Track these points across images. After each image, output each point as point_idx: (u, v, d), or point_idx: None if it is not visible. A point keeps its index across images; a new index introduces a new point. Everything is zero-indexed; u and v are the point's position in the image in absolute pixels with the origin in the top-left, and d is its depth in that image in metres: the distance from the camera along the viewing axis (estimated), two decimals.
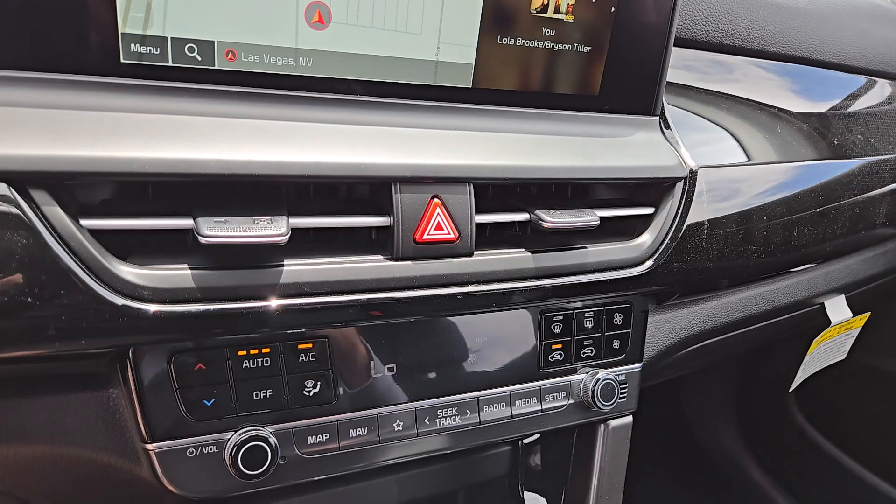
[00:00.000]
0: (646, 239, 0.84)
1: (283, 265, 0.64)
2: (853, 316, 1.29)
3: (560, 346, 0.85)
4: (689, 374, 2.12)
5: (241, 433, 0.67)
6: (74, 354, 0.59)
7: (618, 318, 0.88)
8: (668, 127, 0.88)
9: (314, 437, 0.71)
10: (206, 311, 0.60)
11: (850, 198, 1.10)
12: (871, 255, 1.30)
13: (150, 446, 0.65)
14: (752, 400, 2.06)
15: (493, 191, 0.78)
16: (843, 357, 1.39)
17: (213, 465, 0.67)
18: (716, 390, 2.10)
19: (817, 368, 1.34)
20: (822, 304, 1.26)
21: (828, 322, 1.25)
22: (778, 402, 1.97)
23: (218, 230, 0.58)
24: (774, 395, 1.98)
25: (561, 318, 0.84)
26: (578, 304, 0.85)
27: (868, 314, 1.33)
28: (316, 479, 0.73)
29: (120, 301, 0.57)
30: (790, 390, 1.29)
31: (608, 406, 0.85)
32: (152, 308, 0.58)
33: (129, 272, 0.58)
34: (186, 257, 0.61)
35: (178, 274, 0.60)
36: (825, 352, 1.32)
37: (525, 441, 1.08)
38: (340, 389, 0.72)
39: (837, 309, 1.27)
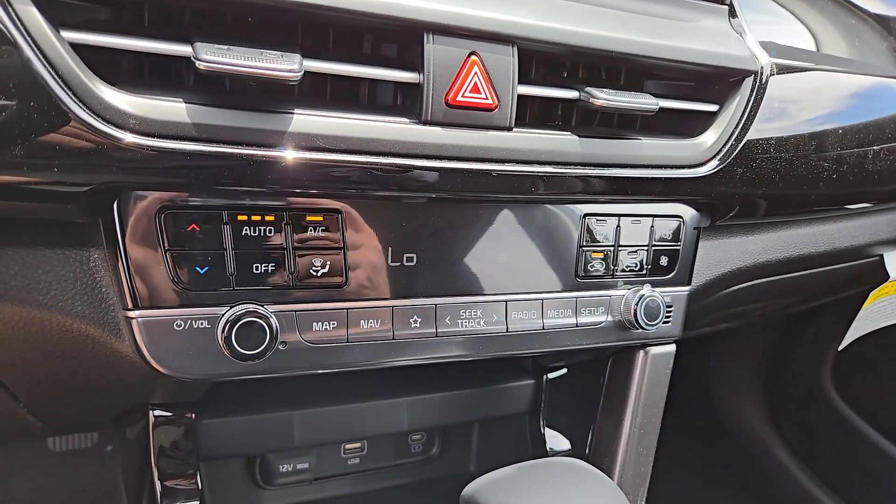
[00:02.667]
0: (708, 138, 0.73)
1: (293, 112, 0.55)
2: None
3: (601, 254, 0.75)
4: (718, 342, 2.02)
5: (238, 308, 0.58)
6: (48, 193, 0.51)
7: (668, 231, 0.78)
8: (735, 16, 0.77)
9: (320, 323, 0.63)
10: (200, 151, 0.51)
11: None
12: None
13: (132, 314, 0.57)
14: (783, 375, 1.95)
15: (539, 61, 0.68)
16: None
17: (203, 343, 0.59)
18: (744, 363, 1.99)
19: (870, 329, 1.22)
20: (882, 256, 1.15)
21: (886, 276, 1.14)
22: (811, 378, 1.86)
23: (219, 56, 0.50)
24: (808, 371, 1.86)
25: (605, 222, 0.74)
26: (625, 209, 0.75)
27: None
28: (320, 371, 0.64)
29: (101, 126, 0.48)
30: (840, 349, 1.18)
31: (652, 326, 0.75)
32: (138, 140, 0.50)
33: (114, 96, 0.49)
34: (182, 93, 0.53)
35: (170, 105, 0.51)
36: (880, 311, 1.21)
37: (550, 376, 0.99)
38: (352, 274, 0.63)
39: None
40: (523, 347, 0.72)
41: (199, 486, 0.76)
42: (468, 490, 0.57)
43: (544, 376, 0.98)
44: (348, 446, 1.00)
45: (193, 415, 0.78)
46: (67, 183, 0.51)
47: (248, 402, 0.83)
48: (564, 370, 0.99)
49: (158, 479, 0.74)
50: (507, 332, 0.71)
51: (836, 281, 1.15)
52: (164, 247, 0.57)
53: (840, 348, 1.19)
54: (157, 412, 0.77)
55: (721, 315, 1.12)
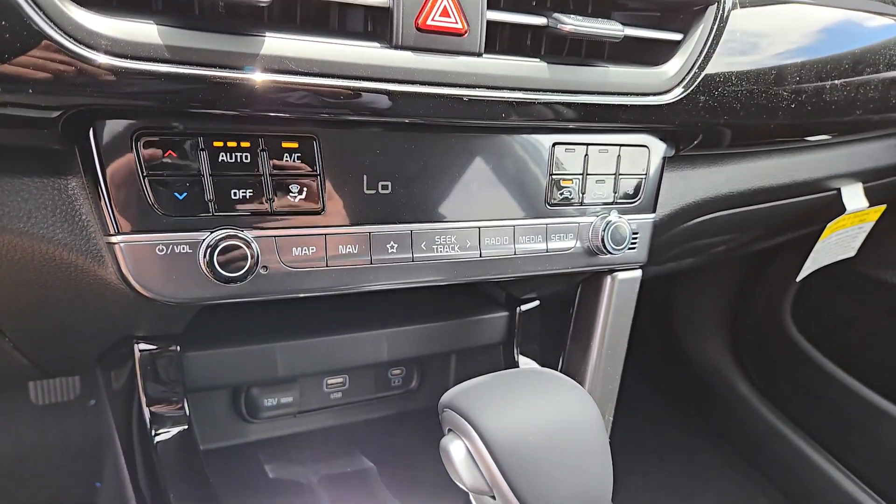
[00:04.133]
0: (673, 66, 0.76)
1: (264, 35, 0.55)
2: (869, 206, 1.23)
3: (570, 181, 0.77)
4: (684, 282, 2.09)
5: (218, 233, 0.60)
6: (23, 118, 0.52)
7: (634, 160, 0.81)
8: None
9: (300, 249, 0.65)
10: (172, 73, 0.52)
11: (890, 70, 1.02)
12: (895, 143, 1.23)
13: (114, 239, 0.58)
14: (746, 312, 2.04)
15: None
16: (852, 254, 1.34)
17: (186, 267, 0.60)
18: (709, 302, 2.07)
19: (827, 261, 1.29)
20: (839, 189, 1.20)
21: (843, 209, 1.19)
22: (772, 315, 1.94)
23: None
24: (769, 308, 1.95)
25: (573, 150, 0.77)
26: (594, 139, 0.78)
27: (884, 207, 1.27)
28: (301, 295, 0.66)
29: (74, 48, 0.49)
30: (798, 279, 1.24)
31: (618, 251, 0.79)
32: (111, 61, 0.50)
33: (85, 17, 0.50)
34: (152, 16, 0.53)
35: (142, 27, 0.51)
36: (836, 243, 1.26)
37: (523, 308, 1.03)
38: (329, 201, 0.65)
39: (854, 196, 1.21)
40: (496, 272, 0.75)
41: (187, 413, 0.79)
42: (445, 397, 0.60)
43: (517, 308, 1.02)
44: (330, 381, 1.03)
45: (178, 347, 0.80)
46: (41, 106, 0.51)
47: (231, 336, 0.86)
48: (537, 302, 1.03)
49: (147, 406, 0.76)
50: (480, 257, 0.74)
51: (796, 214, 1.20)
52: (142, 173, 0.58)
53: (798, 279, 1.25)
54: (143, 346, 0.78)
55: (687, 248, 1.16)
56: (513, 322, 1.02)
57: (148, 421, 0.76)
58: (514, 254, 0.76)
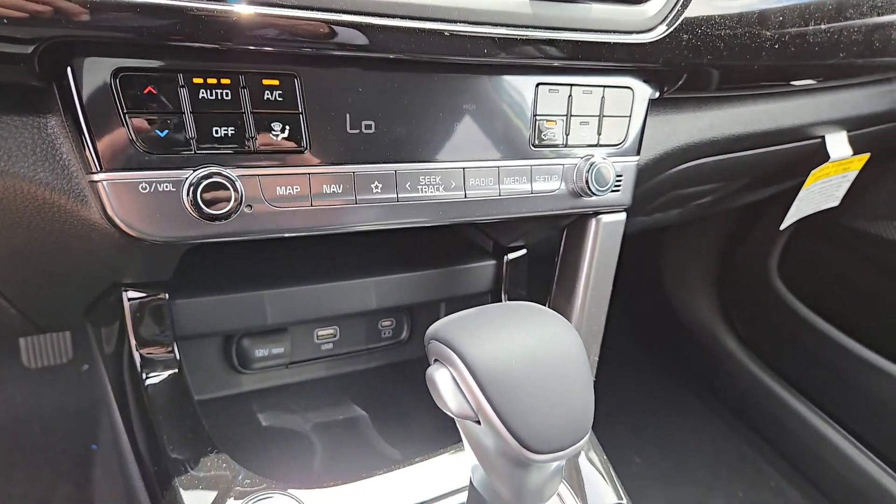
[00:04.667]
0: (654, 5, 0.75)
1: None
2: (853, 154, 1.24)
3: (554, 123, 0.78)
4: (673, 241, 2.11)
5: (201, 171, 0.60)
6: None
7: (618, 102, 0.81)
8: None
9: (283, 188, 0.65)
10: (149, 3, 0.52)
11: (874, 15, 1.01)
12: (879, 91, 1.24)
13: (96, 178, 0.58)
14: (733, 269, 2.06)
15: None
16: (836, 203, 1.36)
17: (170, 205, 0.60)
18: (697, 260, 2.09)
19: (811, 210, 1.30)
20: (823, 137, 1.20)
21: (827, 157, 1.20)
22: (759, 271, 1.97)
23: None
24: (756, 264, 1.97)
25: (557, 91, 0.77)
26: (577, 80, 0.78)
27: (867, 156, 1.28)
28: (287, 235, 0.67)
29: None
30: (781, 228, 1.26)
31: (602, 192, 0.80)
32: None
33: None
34: None
35: None
36: (820, 192, 1.28)
37: (510, 256, 1.04)
38: (312, 139, 0.65)
39: (838, 144, 1.22)
40: (482, 213, 0.76)
41: (177, 357, 0.80)
42: (431, 329, 0.61)
43: (505, 257, 1.03)
44: (321, 332, 1.04)
45: (167, 295, 0.80)
46: (16, 39, 0.51)
47: (220, 284, 0.86)
48: (524, 251, 1.04)
49: (137, 350, 0.77)
50: (465, 198, 0.74)
51: (781, 163, 1.21)
52: (122, 110, 0.57)
53: (782, 227, 1.26)
54: (131, 294, 0.79)
55: (673, 197, 1.17)
56: (500, 270, 1.03)
57: (138, 364, 0.77)
58: (499, 195, 0.76)
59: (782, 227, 1.26)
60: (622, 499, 0.84)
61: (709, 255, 2.07)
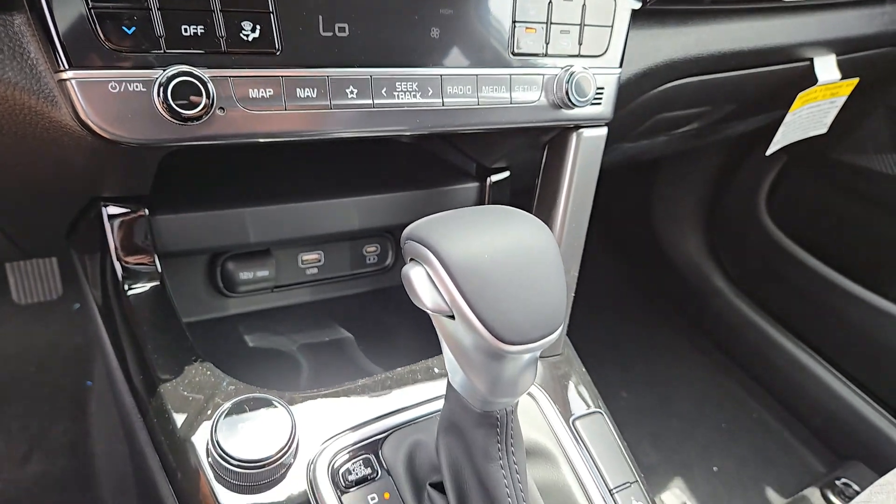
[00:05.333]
0: None
1: None
2: (841, 79, 1.23)
3: (534, 30, 0.76)
4: (663, 179, 2.11)
5: (171, 70, 0.59)
6: None
7: (600, 10, 0.80)
8: None
9: (256, 90, 0.64)
10: None
11: None
12: (869, 13, 1.22)
13: (65, 75, 0.57)
14: (722, 208, 2.07)
15: None
16: (823, 130, 1.35)
17: (141, 106, 0.60)
18: (687, 200, 2.10)
19: (798, 136, 1.29)
20: (812, 60, 1.19)
21: (815, 81, 1.19)
22: (748, 209, 1.98)
23: None
24: (745, 202, 1.98)
25: None
26: None
27: (856, 81, 1.27)
28: (262, 140, 0.66)
29: None
30: (767, 154, 1.26)
31: (582, 103, 0.79)
32: None
33: None
34: None
35: None
36: (808, 117, 1.27)
37: (493, 178, 1.04)
38: (285, 41, 0.64)
39: (826, 67, 1.20)
40: (460, 122, 0.75)
41: (159, 270, 0.80)
42: (407, 229, 0.61)
43: (488, 179, 1.03)
44: (306, 257, 1.05)
45: (147, 211, 0.80)
46: None
47: (201, 201, 0.86)
48: (507, 173, 1.04)
49: (117, 260, 0.78)
50: (443, 106, 0.73)
51: (769, 86, 1.20)
52: (88, 4, 0.56)
53: (767, 153, 1.26)
54: (111, 209, 0.79)
55: (659, 122, 1.16)
56: (483, 192, 1.03)
57: (120, 276, 0.77)
58: (478, 104, 0.75)
59: (768, 152, 1.25)
60: (598, 408, 0.86)
61: (698, 193, 2.07)
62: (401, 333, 1.05)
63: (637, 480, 0.79)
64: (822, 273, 1.84)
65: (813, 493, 1.75)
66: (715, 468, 1.84)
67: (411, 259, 0.62)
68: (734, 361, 2.11)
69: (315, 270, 1.06)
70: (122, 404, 0.88)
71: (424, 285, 0.59)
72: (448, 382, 0.65)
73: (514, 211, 0.64)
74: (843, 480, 1.75)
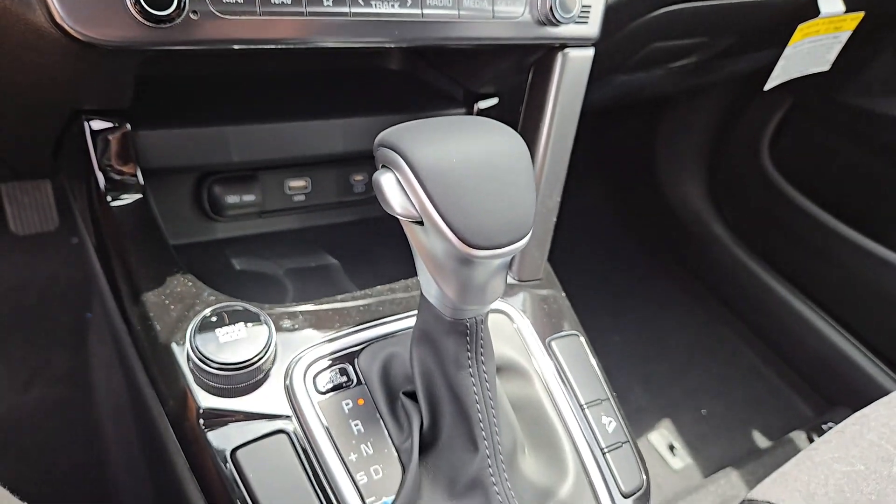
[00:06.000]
0: None
1: None
2: (845, 11, 1.19)
3: None
4: (665, 124, 2.08)
5: None
6: None
7: None
8: None
9: None
10: None
11: None
12: None
13: None
14: (725, 154, 2.04)
15: None
16: (826, 67, 1.32)
17: (114, 6, 0.59)
18: (689, 146, 2.08)
19: (797, 73, 1.27)
20: None
21: (817, 12, 1.16)
22: (750, 155, 1.95)
23: None
24: (748, 147, 1.95)
25: None
26: None
27: (861, 15, 1.23)
28: (237, 47, 0.66)
29: None
30: (765, 88, 1.23)
31: (566, 20, 0.77)
32: None
33: None
34: None
35: None
36: (809, 52, 1.24)
37: (481, 105, 1.03)
38: None
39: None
40: (440, 35, 0.74)
41: (141, 182, 0.81)
42: (379, 136, 0.61)
43: (475, 105, 1.02)
44: (293, 183, 1.05)
45: (129, 125, 0.80)
46: None
47: (185, 118, 0.86)
48: (495, 100, 1.03)
49: (100, 173, 0.78)
50: (422, 17, 0.72)
51: (767, 15, 1.17)
52: None
53: (766, 88, 1.24)
54: (94, 124, 0.79)
55: (653, 52, 1.14)
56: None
57: (102, 186, 0.78)
58: (459, 17, 0.74)
59: (767, 87, 1.23)
60: (578, 331, 0.87)
61: (701, 137, 2.05)
62: (386, 262, 1.06)
63: (609, 398, 0.81)
64: (822, 220, 1.82)
65: (799, 436, 1.78)
66: (703, 411, 1.88)
67: (383, 165, 0.62)
68: (729, 308, 2.12)
69: (302, 198, 1.07)
70: (116, 331, 0.90)
71: (394, 191, 0.59)
72: (421, 293, 0.66)
73: (487, 121, 0.64)
74: (830, 424, 1.78)
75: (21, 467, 1.40)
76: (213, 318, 0.68)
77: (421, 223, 0.59)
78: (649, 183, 2.19)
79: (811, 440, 1.76)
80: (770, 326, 1.98)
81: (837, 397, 1.83)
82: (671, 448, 1.74)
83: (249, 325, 0.69)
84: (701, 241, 2.12)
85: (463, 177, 0.57)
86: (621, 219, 2.38)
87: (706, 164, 2.08)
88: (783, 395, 1.93)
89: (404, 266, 1.00)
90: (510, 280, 0.91)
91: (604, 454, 0.77)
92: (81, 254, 1.43)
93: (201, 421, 0.67)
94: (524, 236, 0.58)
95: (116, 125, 0.80)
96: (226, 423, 0.67)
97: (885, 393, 0.96)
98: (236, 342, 0.67)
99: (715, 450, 1.76)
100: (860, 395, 1.74)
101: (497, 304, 0.84)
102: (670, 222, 2.21)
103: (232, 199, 0.99)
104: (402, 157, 0.58)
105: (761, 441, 1.80)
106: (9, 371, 1.52)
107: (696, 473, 1.69)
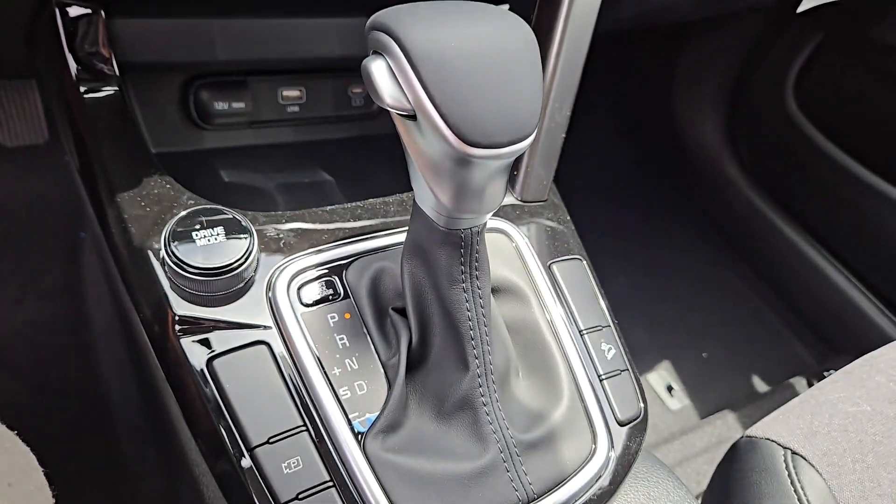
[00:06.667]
0: None
1: None
2: None
3: None
4: (684, 61, 1.97)
5: None
6: None
7: None
8: None
9: None
10: None
11: None
12: None
13: None
14: (748, 89, 1.94)
15: None
16: None
17: None
18: (711, 77, 1.97)
19: None
20: None
21: None
22: (774, 91, 1.85)
23: None
24: (772, 83, 1.85)
25: None
26: None
27: None
28: None
29: None
30: (798, 10, 1.14)
31: None
32: None
33: None
34: None
35: None
36: None
37: None
38: None
39: None
40: None
41: (117, 73, 0.75)
42: (372, 17, 0.55)
43: None
44: (286, 93, 0.99)
45: (103, 13, 0.74)
46: None
47: (164, 6, 0.79)
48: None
49: (73, 63, 0.72)
50: None
51: None
52: None
53: (799, 10, 1.15)
54: (70, 9, 0.72)
55: None
56: None
57: (74, 76, 0.72)
58: None
59: (800, 8, 1.14)
60: (581, 255, 0.82)
61: (722, 72, 1.94)
62: (384, 182, 1.01)
63: (610, 325, 0.77)
64: (844, 164, 1.74)
65: (799, 382, 1.77)
66: (704, 354, 1.85)
67: (374, 51, 0.56)
68: (738, 253, 2.06)
69: (296, 108, 1.00)
70: (101, 243, 0.86)
71: (385, 79, 0.53)
72: (414, 202, 0.61)
73: (494, 7, 0.57)
74: (832, 372, 1.75)
75: (14, 383, 1.40)
76: (191, 221, 0.63)
77: (414, 118, 0.53)
78: (664, 119, 2.09)
79: (811, 386, 1.74)
80: (779, 272, 1.94)
81: (842, 345, 1.80)
82: (669, 389, 1.73)
83: (230, 229, 0.64)
84: (713, 181, 2.05)
85: (462, 66, 0.51)
86: (633, 156, 2.30)
87: (725, 101, 1.98)
88: (787, 341, 1.90)
89: (405, 188, 0.95)
90: (512, 200, 0.86)
91: (601, 380, 0.73)
92: (72, 170, 1.38)
93: (176, 328, 0.63)
94: (527, 136, 0.53)
95: (90, 11, 0.73)
96: (202, 332, 0.63)
97: (891, 341, 0.92)
98: (215, 246, 0.63)
99: (713, 393, 1.74)
100: (865, 343, 1.70)
101: (496, 223, 0.79)
102: (684, 162, 2.13)
103: (221, 105, 0.93)
104: (395, 40, 0.52)
105: (761, 386, 1.79)
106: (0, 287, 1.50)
107: (692, 415, 1.68)
